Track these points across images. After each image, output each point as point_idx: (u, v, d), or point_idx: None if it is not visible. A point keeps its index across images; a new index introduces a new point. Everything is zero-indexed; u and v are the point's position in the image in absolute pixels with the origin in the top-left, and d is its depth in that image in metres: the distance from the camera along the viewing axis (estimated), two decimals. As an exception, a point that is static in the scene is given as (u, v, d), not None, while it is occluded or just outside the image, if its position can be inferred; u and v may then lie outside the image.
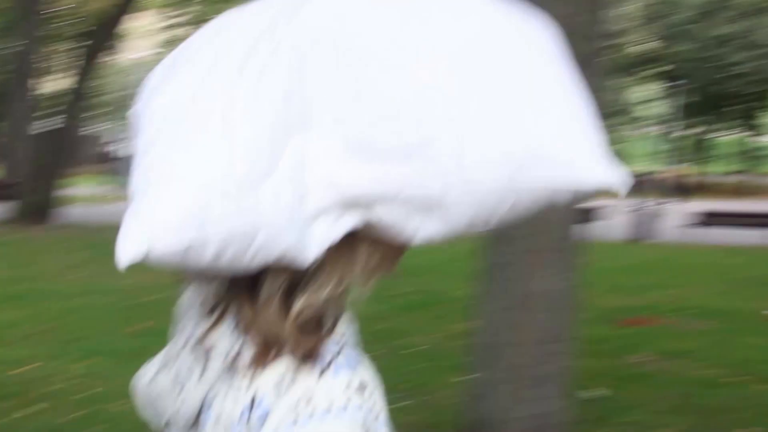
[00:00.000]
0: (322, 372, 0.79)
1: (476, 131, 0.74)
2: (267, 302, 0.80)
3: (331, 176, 0.74)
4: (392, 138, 0.73)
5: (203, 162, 0.72)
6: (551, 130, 0.76)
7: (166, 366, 0.91)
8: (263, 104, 0.74)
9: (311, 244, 0.76)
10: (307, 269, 0.78)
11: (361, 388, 0.80)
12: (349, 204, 0.76)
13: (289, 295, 0.80)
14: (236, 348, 0.82)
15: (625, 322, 7.66)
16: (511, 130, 0.74)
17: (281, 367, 0.80)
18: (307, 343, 0.80)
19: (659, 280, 10.49)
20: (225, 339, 0.83)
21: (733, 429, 4.68)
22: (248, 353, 0.81)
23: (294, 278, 0.80)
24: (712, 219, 17.65)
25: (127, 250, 0.72)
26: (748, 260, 13.56)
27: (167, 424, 0.91)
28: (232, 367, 0.82)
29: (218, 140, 0.73)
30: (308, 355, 0.80)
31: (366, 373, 0.82)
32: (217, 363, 0.84)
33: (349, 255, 0.81)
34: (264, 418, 0.79)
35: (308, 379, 0.79)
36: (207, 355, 0.85)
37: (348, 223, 0.77)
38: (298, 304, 0.80)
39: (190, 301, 0.90)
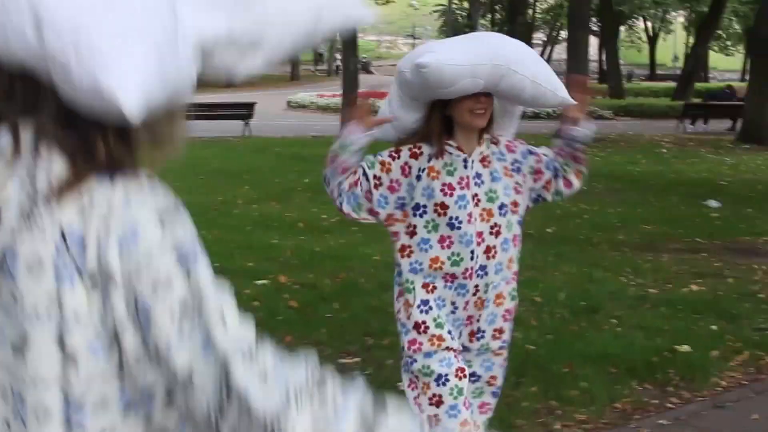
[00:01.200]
0: (112, 181, 0.94)
1: None
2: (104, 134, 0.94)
3: (195, 23, 0.96)
4: None
5: (153, 32, 0.92)
6: None
7: None
8: None
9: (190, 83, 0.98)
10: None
11: (150, 186, 0.96)
12: (199, 48, 0.97)
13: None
14: (29, 197, 0.92)
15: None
16: None
17: (78, 196, 0.92)
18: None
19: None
20: (15, 192, 0.92)
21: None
22: (43, 198, 0.92)
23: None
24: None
25: (137, 102, 0.89)
26: (217, 153, 13.68)
27: None
28: (28, 215, 0.92)
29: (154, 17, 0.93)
30: (117, 170, 0.94)
31: (149, 180, 0.98)
32: (10, 215, 0.92)
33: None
34: (81, 240, 0.91)
35: (103, 191, 0.93)
36: None
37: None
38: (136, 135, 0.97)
39: None
